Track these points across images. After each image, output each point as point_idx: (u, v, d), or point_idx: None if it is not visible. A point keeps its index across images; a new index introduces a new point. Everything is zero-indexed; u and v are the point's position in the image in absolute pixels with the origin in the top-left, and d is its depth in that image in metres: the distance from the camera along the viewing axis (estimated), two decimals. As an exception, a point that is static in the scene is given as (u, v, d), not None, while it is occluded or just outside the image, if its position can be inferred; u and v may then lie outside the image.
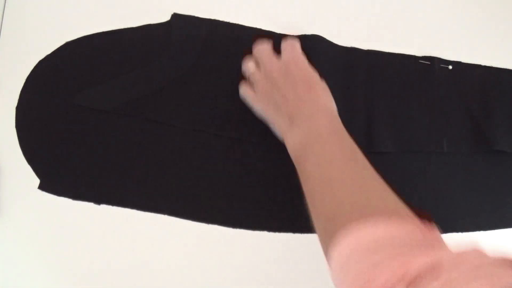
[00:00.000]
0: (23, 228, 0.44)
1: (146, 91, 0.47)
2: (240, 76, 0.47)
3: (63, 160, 0.45)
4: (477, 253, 0.25)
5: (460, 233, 0.50)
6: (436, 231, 0.31)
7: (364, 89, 0.51)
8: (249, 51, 0.47)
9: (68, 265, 0.44)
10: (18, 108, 0.46)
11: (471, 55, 0.55)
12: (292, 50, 0.45)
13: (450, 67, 0.54)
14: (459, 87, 0.53)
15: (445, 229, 0.49)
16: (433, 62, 0.53)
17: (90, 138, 0.46)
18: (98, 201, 0.45)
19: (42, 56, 0.47)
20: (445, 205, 0.50)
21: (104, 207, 0.45)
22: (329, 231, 0.33)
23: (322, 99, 0.42)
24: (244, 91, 0.46)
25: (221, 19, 0.50)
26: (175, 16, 0.50)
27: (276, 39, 0.48)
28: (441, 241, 0.30)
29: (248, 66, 0.46)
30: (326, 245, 0.33)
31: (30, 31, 0.48)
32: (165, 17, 0.50)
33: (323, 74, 0.45)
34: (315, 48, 0.50)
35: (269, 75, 0.43)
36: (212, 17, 0.50)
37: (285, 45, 0.46)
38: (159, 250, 0.45)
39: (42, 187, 0.44)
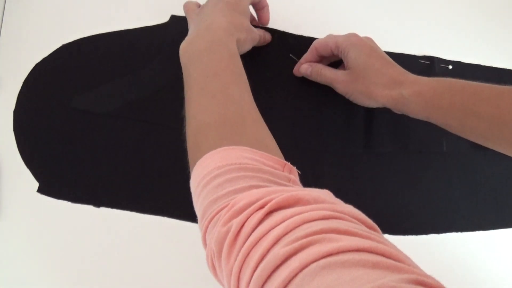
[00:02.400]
0: (23, 230, 0.44)
1: (142, 93, 0.47)
2: None
3: (62, 163, 0.45)
4: (328, 194, 0.28)
5: (459, 233, 0.50)
6: (295, 170, 0.32)
7: None
8: None
9: (68, 267, 0.44)
10: (15, 112, 0.45)
11: (471, 55, 0.55)
12: None
13: (450, 67, 0.53)
14: (459, 87, 0.53)
15: (445, 229, 0.50)
16: (433, 62, 0.53)
17: (87, 141, 0.45)
18: (97, 204, 0.44)
19: (41, 58, 0.47)
20: (445, 204, 0.50)
21: (103, 209, 0.44)
22: (197, 144, 0.33)
23: (232, 19, 0.41)
24: (187, 4, 0.46)
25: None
26: (173, 18, 0.49)
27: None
28: (298, 181, 0.31)
29: None
30: (192, 158, 0.33)
31: (29, 33, 0.48)
32: (163, 19, 0.50)
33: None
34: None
35: None
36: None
37: None
38: (159, 252, 0.45)
39: (41, 190, 0.44)
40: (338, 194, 0.47)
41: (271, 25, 0.50)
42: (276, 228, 0.23)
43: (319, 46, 0.46)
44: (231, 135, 0.32)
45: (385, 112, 0.50)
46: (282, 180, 0.29)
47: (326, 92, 0.49)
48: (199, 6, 0.46)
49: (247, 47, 0.44)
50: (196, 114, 0.35)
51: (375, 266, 0.20)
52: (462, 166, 0.52)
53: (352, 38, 0.43)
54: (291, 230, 0.23)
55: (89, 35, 0.48)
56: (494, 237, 0.51)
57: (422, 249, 0.48)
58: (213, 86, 0.35)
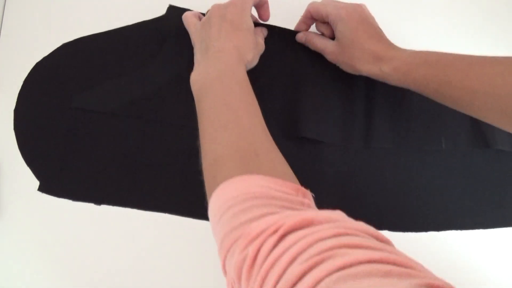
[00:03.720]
0: (24, 229, 0.44)
1: (143, 91, 0.47)
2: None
3: (62, 161, 0.45)
4: (340, 214, 0.29)
5: (459, 231, 0.50)
6: (309, 194, 0.33)
7: (364, 85, 0.51)
8: None
9: (68, 266, 0.44)
10: (16, 111, 0.46)
11: (473, 53, 0.55)
12: None
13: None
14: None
15: (444, 227, 0.50)
16: None
17: (88, 139, 0.45)
18: (98, 201, 0.45)
19: (41, 57, 0.47)
20: (444, 202, 0.50)
21: (104, 207, 0.45)
22: (213, 176, 0.34)
23: (238, 43, 0.42)
24: (186, 17, 0.47)
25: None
26: (171, 8, 0.49)
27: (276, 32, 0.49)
28: (313, 205, 0.32)
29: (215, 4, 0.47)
30: (208, 189, 0.34)
31: (29, 33, 0.48)
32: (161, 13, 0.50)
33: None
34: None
35: (212, 12, 0.44)
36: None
37: None
38: (160, 249, 0.45)
39: (41, 189, 0.44)
40: (337, 190, 0.48)
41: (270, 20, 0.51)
42: (291, 249, 0.24)
43: (313, 11, 0.48)
44: (245, 165, 0.33)
45: (385, 108, 0.51)
46: (296, 205, 0.30)
47: (326, 88, 0.49)
48: (199, 16, 0.47)
49: (255, 62, 0.46)
50: (210, 147, 0.36)
51: (386, 274, 0.20)
52: (461, 164, 0.52)
53: (341, 11, 0.45)
54: (305, 249, 0.24)
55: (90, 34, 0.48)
56: (494, 236, 0.51)
57: (422, 246, 0.49)
58: (225, 117, 0.36)
